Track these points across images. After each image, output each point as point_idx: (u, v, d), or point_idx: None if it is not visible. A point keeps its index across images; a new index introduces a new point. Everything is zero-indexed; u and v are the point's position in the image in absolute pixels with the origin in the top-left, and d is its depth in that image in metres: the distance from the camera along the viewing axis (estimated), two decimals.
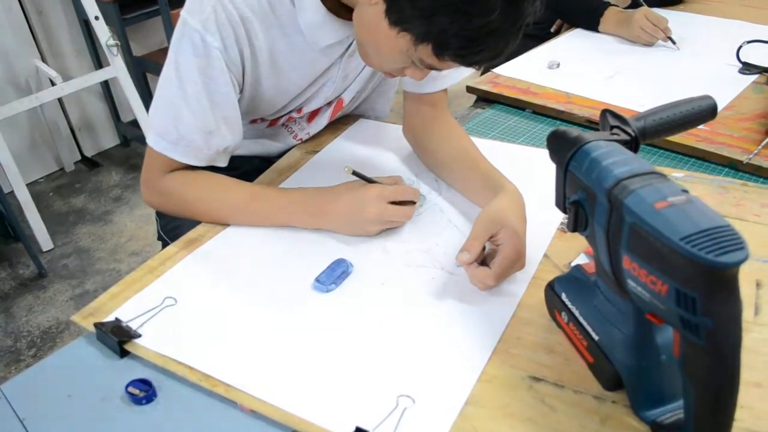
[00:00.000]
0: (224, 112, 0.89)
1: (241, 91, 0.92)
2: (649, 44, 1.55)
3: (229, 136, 0.91)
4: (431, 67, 0.77)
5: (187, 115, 0.86)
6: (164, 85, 0.88)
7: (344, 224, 0.87)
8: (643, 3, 1.60)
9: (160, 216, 1.13)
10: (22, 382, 0.69)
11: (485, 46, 0.69)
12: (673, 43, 1.53)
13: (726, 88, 1.31)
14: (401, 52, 0.75)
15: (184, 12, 0.84)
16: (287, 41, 0.89)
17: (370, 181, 0.88)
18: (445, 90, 1.05)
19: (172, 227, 1.07)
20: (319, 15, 0.86)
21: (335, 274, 0.80)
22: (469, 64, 0.74)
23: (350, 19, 0.83)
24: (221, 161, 0.94)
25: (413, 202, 0.88)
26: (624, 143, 0.63)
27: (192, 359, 0.69)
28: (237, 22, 0.84)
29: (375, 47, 0.79)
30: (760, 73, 1.37)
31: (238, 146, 0.95)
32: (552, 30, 1.86)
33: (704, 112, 0.69)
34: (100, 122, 2.92)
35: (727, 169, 1.07)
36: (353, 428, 0.60)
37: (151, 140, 0.90)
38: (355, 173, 0.87)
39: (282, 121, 1.08)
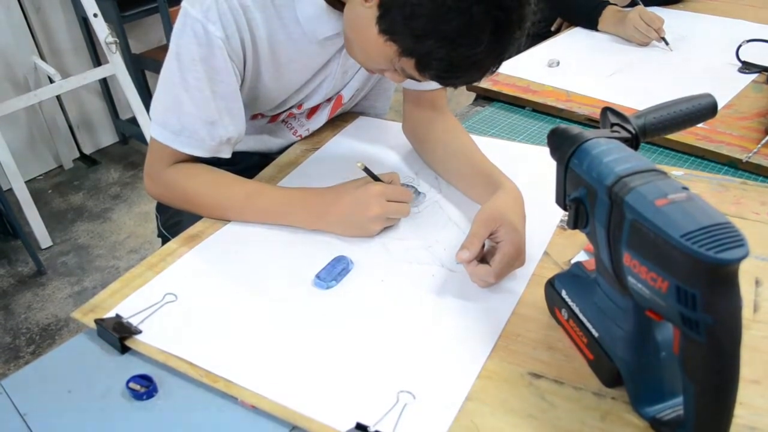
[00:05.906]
0: (227, 102, 0.89)
1: (242, 82, 0.92)
2: (643, 44, 1.54)
3: (232, 127, 0.91)
4: (412, 77, 0.78)
5: (189, 105, 0.86)
6: (166, 75, 0.88)
7: (345, 225, 0.86)
8: (640, 2, 1.60)
9: (161, 212, 1.13)
10: (23, 377, 0.69)
11: (465, 73, 0.73)
12: (666, 43, 1.52)
13: (725, 86, 1.31)
14: (385, 58, 0.76)
15: (185, 2, 0.83)
16: (286, 32, 0.89)
17: (376, 179, 0.88)
18: (445, 88, 1.05)
19: (173, 223, 1.07)
20: (317, 6, 0.86)
21: (335, 270, 0.80)
22: (446, 85, 0.78)
23: None
24: (225, 152, 0.94)
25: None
26: (624, 141, 0.63)
27: (193, 355, 0.69)
28: (238, 11, 0.84)
29: (361, 46, 0.81)
30: (759, 71, 1.37)
31: (241, 137, 0.95)
32: (552, 28, 1.86)
33: (705, 110, 0.69)
34: (99, 120, 2.91)
35: (726, 168, 1.08)
36: (354, 424, 0.60)
37: (153, 131, 0.90)
38: (366, 170, 0.88)
39: (282, 117, 1.08)
